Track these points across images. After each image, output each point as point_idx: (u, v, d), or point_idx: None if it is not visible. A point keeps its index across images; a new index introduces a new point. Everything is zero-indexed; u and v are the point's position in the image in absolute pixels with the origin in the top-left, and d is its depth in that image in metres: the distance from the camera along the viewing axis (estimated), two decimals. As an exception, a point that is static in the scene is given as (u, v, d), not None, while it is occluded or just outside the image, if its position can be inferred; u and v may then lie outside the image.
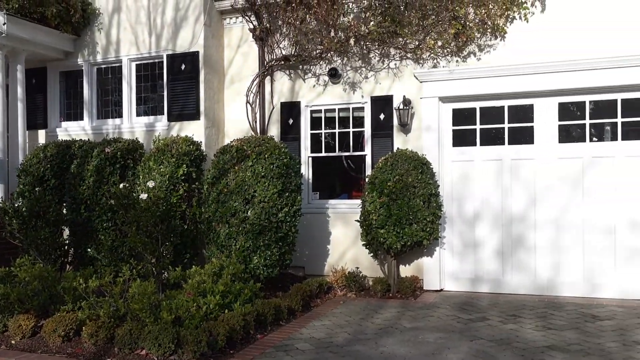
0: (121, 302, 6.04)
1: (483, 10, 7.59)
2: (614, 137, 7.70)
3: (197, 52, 8.99)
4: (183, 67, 9.06)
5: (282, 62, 8.98)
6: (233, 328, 5.82)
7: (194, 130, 8.90)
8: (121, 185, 6.64)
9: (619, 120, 7.63)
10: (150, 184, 6.93)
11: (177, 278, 7.01)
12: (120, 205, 6.57)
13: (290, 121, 9.07)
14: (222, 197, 7.56)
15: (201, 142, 8.68)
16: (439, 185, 8.08)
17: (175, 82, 9.11)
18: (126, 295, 6.16)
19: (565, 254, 7.84)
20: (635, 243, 7.54)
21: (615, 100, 7.62)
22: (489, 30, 7.82)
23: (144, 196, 6.50)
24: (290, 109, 9.09)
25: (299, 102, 9.05)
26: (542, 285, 7.94)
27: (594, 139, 7.84)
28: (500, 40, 7.92)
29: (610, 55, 7.37)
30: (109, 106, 9.91)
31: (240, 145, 7.74)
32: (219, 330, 5.66)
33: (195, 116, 9.01)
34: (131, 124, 9.49)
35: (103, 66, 9.85)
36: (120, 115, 9.68)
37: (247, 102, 9.10)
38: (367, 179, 8.14)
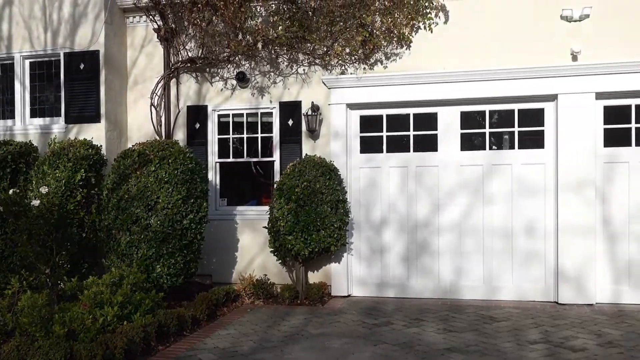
0: (9, 316, 5.73)
1: (389, 19, 7.80)
2: (511, 146, 8.13)
3: (98, 51, 8.67)
4: (82, 66, 8.71)
5: (189, 65, 8.83)
6: (132, 340, 5.65)
7: (94, 133, 8.56)
8: (11, 191, 6.29)
9: (516, 129, 8.07)
10: (44, 189, 6.60)
11: (74, 289, 6.72)
12: (10, 212, 6.23)
13: (197, 125, 8.93)
14: (123, 204, 7.33)
15: (101, 145, 8.37)
16: (346, 192, 8.23)
17: (74, 82, 8.74)
18: (15, 308, 5.83)
19: (466, 258, 8.18)
20: (530, 247, 7.99)
21: (513, 111, 8.06)
22: (395, 38, 8.05)
23: (36, 202, 6.20)
24: (197, 113, 8.95)
25: (206, 106, 8.93)
26: (445, 288, 8.25)
27: (494, 147, 8.25)
28: (406, 49, 8.17)
29: (507, 67, 7.78)
30: (0, 106, 9.36)
31: (143, 149, 7.53)
32: (116, 343, 5.47)
33: (95, 118, 8.67)
34: (24, 126, 9.00)
35: (-7, 63, 9.31)
36: (12, 116, 9.16)
37: (152, 104, 8.87)
38: (275, 185, 8.15)
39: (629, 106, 7.71)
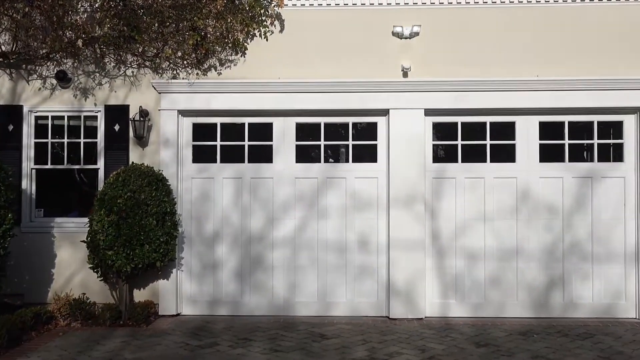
0: None
1: (223, 24, 7.63)
2: (346, 159, 8.27)
3: None
4: None
5: (1, 59, 8.09)
6: None
7: None
8: None
9: (351, 143, 8.22)
10: None
11: None
12: None
13: (10, 127, 8.19)
14: None
15: None
16: (176, 203, 7.91)
17: None
18: None
19: (301, 273, 8.17)
20: (363, 261, 8.14)
21: (347, 124, 8.20)
22: (229, 44, 7.90)
23: None
24: (10, 114, 8.20)
25: (22, 106, 8.21)
26: (279, 305, 8.17)
27: (331, 159, 8.34)
28: (242, 56, 8.05)
29: (341, 79, 7.89)
30: None
31: None
32: None
33: None
34: None
35: None
36: None
37: (-44, 102, 8.04)
38: (97, 195, 7.65)
39: (456, 124, 8.12)
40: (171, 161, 8.08)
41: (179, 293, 8.18)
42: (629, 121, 7.98)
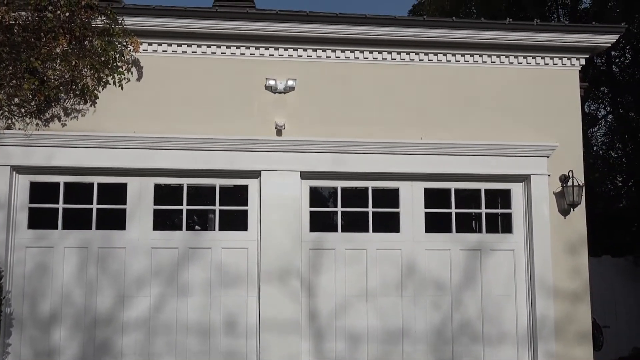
0: None
1: (67, 68, 6.70)
2: (213, 227, 7.39)
3: None
4: None
5: None
6: None
7: None
8: None
9: (217, 208, 7.36)
10: None
11: None
12: None
13: None
14: None
15: None
16: (3, 277, 6.66)
17: None
18: None
19: (156, 361, 7.07)
20: (230, 346, 7.16)
21: (215, 186, 7.35)
22: (77, 92, 6.94)
23: None
24: None
25: None
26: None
27: (196, 227, 7.51)
28: (91, 105, 7.05)
29: (207, 136, 7.10)
30: None
31: None
32: None
33: None
34: None
35: None
36: None
37: None
38: None
39: (335, 189, 7.51)
40: (1, 226, 6.89)
41: (2, 390, 6.84)
42: (516, 190, 7.65)
